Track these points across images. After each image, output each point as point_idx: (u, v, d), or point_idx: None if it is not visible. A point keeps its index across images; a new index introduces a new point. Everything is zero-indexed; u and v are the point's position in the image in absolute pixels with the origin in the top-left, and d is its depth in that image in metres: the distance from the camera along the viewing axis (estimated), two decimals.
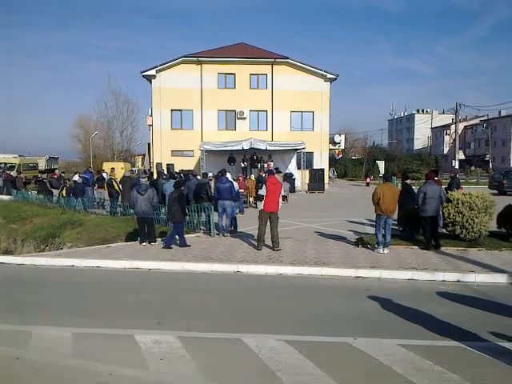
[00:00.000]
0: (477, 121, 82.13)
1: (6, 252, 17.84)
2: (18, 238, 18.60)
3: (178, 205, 12.37)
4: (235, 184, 15.81)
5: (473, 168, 57.58)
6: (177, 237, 12.37)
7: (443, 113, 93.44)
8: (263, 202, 11.65)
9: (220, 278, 9.55)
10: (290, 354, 5.40)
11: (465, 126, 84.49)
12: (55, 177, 26.91)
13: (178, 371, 4.98)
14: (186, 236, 12.63)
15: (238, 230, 14.44)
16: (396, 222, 13.68)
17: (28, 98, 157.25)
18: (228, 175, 15.59)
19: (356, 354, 5.39)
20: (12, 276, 10.14)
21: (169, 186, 16.02)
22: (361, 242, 12.11)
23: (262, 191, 11.75)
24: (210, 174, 14.97)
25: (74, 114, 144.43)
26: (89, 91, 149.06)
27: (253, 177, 24.18)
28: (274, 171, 17.76)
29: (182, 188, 13.31)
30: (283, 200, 12.94)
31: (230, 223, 14.17)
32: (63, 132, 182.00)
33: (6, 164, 43.25)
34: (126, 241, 14.07)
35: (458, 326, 6.27)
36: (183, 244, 12.28)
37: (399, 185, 15.48)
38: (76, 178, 23.15)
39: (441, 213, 12.04)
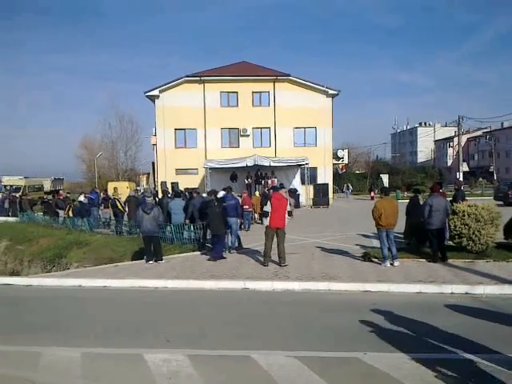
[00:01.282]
0: (479, 133, 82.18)
1: (13, 273, 17.91)
2: (24, 259, 18.66)
3: (220, 218, 12.72)
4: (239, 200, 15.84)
5: (480, 179, 57.39)
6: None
7: (446, 125, 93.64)
8: (268, 218, 11.65)
9: (227, 294, 9.52)
10: (299, 370, 5.37)
11: (468, 138, 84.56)
12: (61, 197, 26.98)
13: None
14: (191, 254, 12.63)
15: (245, 246, 14.43)
16: (402, 236, 13.70)
17: (32, 120, 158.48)
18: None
19: (366, 369, 5.35)
20: (20, 297, 10.14)
21: (174, 205, 16.07)
22: (367, 256, 12.08)
23: (267, 207, 11.75)
24: (222, 193, 14.87)
25: (79, 135, 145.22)
26: (93, 112, 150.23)
27: (257, 193, 24.22)
28: (279, 187, 17.80)
29: (224, 203, 13.59)
30: (289, 215, 12.94)
31: (236, 240, 14.18)
32: (68, 153, 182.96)
33: (11, 186, 43.52)
34: (132, 260, 14.08)
35: (468, 338, 6.22)
36: (220, 256, 12.63)
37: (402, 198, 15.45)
38: (82, 198, 23.25)
39: (447, 225, 12.02)
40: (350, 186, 45.52)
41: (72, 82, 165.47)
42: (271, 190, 13.21)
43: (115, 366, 5.65)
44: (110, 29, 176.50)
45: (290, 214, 14.02)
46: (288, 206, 12.45)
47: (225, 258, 12.79)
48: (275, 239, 11.65)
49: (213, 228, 12.90)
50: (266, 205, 11.97)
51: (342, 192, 45.89)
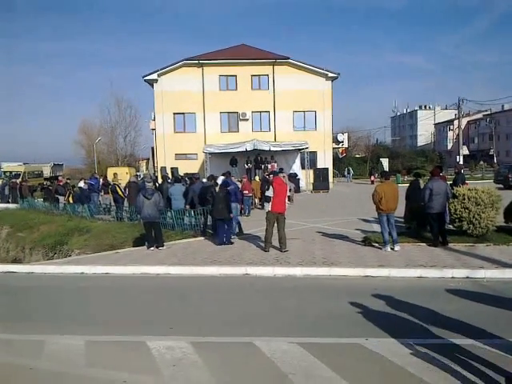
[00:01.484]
0: (480, 115, 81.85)
1: (15, 261, 17.96)
2: (26, 247, 18.70)
3: (224, 203, 12.79)
4: (238, 185, 15.84)
5: (481, 163, 57.30)
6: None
7: (446, 108, 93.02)
8: (270, 203, 11.64)
9: (229, 280, 9.56)
10: (302, 356, 5.40)
11: (468, 121, 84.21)
12: (61, 184, 26.95)
13: (190, 377, 4.99)
14: (193, 239, 12.66)
15: (245, 231, 14.45)
16: (403, 220, 13.70)
17: (30, 106, 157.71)
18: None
19: (368, 355, 5.39)
20: (22, 285, 10.18)
21: (174, 190, 16.06)
22: (368, 240, 12.10)
23: (269, 192, 11.72)
24: (222, 178, 14.90)
25: (77, 120, 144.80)
26: (91, 97, 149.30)
27: (257, 178, 24.18)
28: (278, 172, 17.77)
29: (228, 188, 13.64)
30: (288, 200, 12.95)
31: (236, 226, 14.19)
32: (67, 139, 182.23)
33: (11, 172, 43.48)
34: (133, 246, 14.10)
35: (470, 323, 6.25)
36: (223, 241, 12.74)
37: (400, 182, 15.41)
38: (82, 184, 23.23)
39: (447, 209, 12.03)
40: (351, 170, 45.53)
41: (70, 68, 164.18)
42: (271, 175, 13.16)
43: (119, 354, 5.68)
44: (106, 14, 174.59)
45: (289, 199, 14.00)
46: (287, 191, 12.43)
47: (232, 243, 12.90)
48: (276, 224, 11.66)
49: (217, 212, 12.91)
50: (267, 190, 11.93)
51: (343, 176, 45.86)
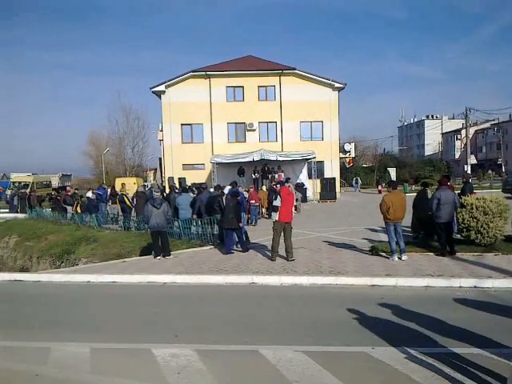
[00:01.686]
0: (487, 125, 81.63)
1: (23, 269, 18.02)
2: (33, 256, 18.75)
3: (234, 212, 12.84)
4: (245, 195, 15.88)
5: (489, 172, 57.01)
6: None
7: (453, 118, 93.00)
8: (278, 213, 11.63)
9: (235, 289, 9.54)
10: (308, 364, 5.38)
11: (475, 131, 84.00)
12: (69, 194, 27.13)
13: None
14: (200, 248, 12.67)
15: (252, 241, 14.42)
16: (410, 229, 13.65)
17: (39, 117, 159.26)
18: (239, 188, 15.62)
19: (374, 364, 5.35)
20: (29, 293, 10.22)
21: (182, 200, 16.11)
22: (375, 250, 12.05)
23: (277, 202, 11.71)
24: (228, 188, 14.94)
25: (86, 131, 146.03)
26: (99, 108, 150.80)
27: (264, 188, 24.20)
28: (284, 181, 17.78)
29: (238, 197, 13.75)
30: (295, 210, 12.95)
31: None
32: (75, 150, 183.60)
33: (20, 183, 43.77)
34: (140, 255, 14.12)
35: (477, 332, 6.20)
36: (245, 248, 13.05)
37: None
38: (89, 194, 23.36)
39: (455, 218, 11.97)
40: (359, 180, 45.39)
41: (77, 79, 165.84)
42: (278, 185, 13.15)
43: (124, 361, 5.69)
44: (113, 25, 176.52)
45: (296, 208, 14.00)
46: (294, 201, 12.43)
47: (248, 249, 13.11)
48: (283, 234, 11.66)
49: (227, 222, 12.92)
50: (275, 199, 11.94)
51: (351, 186, 45.76)
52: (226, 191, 15.54)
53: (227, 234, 13.01)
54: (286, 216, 11.60)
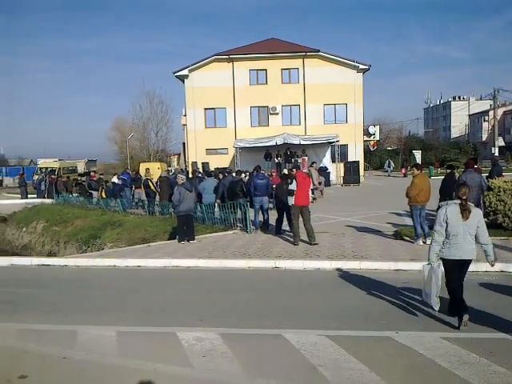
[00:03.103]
0: None
1: (50, 254, 18.43)
2: (60, 240, 19.14)
3: (287, 195, 12.71)
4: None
5: None
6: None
7: (481, 99, 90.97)
8: (294, 197, 11.68)
9: (258, 274, 9.60)
10: (331, 348, 5.39)
11: (504, 112, 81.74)
12: (94, 179, 27.47)
13: (220, 368, 5.04)
14: (222, 233, 12.74)
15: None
16: (435, 213, 13.43)
17: (65, 104, 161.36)
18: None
19: (398, 348, 5.33)
20: (56, 277, 10.45)
21: (207, 185, 16.12)
22: (399, 234, 11.94)
23: (293, 186, 11.75)
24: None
25: (111, 117, 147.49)
26: (124, 94, 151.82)
27: (285, 171, 24.07)
28: (300, 167, 17.67)
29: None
30: (312, 193, 12.92)
31: (268, 218, 14.24)
32: (100, 135, 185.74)
33: (46, 168, 44.53)
34: (165, 240, 14.27)
35: (503, 317, 6.12)
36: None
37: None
38: (114, 179, 23.63)
39: (481, 202, 11.74)
40: (392, 163, 44.03)
41: (102, 65, 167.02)
42: (294, 169, 13.13)
43: (149, 344, 5.78)
44: (136, 11, 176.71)
45: (314, 192, 13.98)
46: (312, 184, 12.37)
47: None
48: (301, 218, 11.66)
49: (279, 204, 13.07)
50: (290, 184, 11.95)
51: (385, 170, 44.38)
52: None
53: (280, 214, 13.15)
54: (302, 200, 11.61)
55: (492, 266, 6.13)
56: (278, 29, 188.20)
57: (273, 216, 13.78)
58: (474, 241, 5.97)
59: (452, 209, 5.93)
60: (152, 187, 20.85)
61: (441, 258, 6.10)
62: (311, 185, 12.17)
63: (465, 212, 5.83)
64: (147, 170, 24.58)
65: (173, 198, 13.16)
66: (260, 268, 9.94)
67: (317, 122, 34.10)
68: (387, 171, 42.56)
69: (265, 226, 14.16)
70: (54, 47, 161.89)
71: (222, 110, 34.62)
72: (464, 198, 5.89)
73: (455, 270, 6.09)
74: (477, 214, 5.98)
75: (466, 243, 5.91)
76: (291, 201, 11.72)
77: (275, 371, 4.94)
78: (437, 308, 6.14)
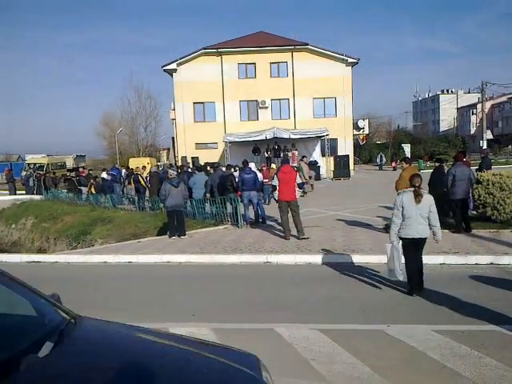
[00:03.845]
0: (504, 98, 79.76)
1: (40, 251, 18.29)
2: (50, 237, 19.01)
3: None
4: (259, 174, 15.84)
5: (509, 147, 55.95)
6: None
7: (469, 92, 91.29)
8: (277, 191, 11.73)
9: (250, 268, 9.60)
10: (323, 342, 5.41)
11: (492, 105, 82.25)
12: (83, 175, 27.31)
13: None
14: (213, 228, 12.75)
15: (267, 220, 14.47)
16: None
17: (52, 98, 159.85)
18: (252, 165, 15.53)
19: (390, 341, 5.37)
20: (46, 274, 10.36)
21: (197, 179, 16.06)
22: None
23: (275, 181, 11.80)
24: (252, 164, 15.25)
25: (99, 112, 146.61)
26: (112, 88, 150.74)
27: (274, 166, 24.06)
28: (290, 161, 17.66)
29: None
30: (300, 188, 12.93)
31: (263, 212, 14.29)
32: (89, 130, 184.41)
33: (35, 164, 44.18)
34: (155, 235, 14.23)
35: (494, 309, 6.18)
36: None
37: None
38: (104, 175, 23.51)
39: (471, 195, 11.83)
40: (383, 157, 44.09)
41: (89, 59, 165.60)
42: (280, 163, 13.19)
43: None
44: (123, 4, 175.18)
45: (300, 186, 13.96)
46: (298, 178, 12.24)
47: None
48: (290, 213, 11.68)
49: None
50: (272, 179, 12.02)
51: (377, 164, 44.33)
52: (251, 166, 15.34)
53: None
54: (286, 195, 11.59)
55: (437, 242, 7.17)
56: (264, 20, 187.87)
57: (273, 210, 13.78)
58: (427, 222, 6.91)
59: (407, 195, 6.91)
60: (142, 183, 20.77)
61: (399, 237, 7.01)
62: (298, 179, 12.03)
63: (417, 197, 6.81)
64: (142, 167, 24.33)
65: (159, 194, 13.20)
66: (252, 263, 9.94)
67: (306, 116, 34.16)
68: (380, 165, 42.65)
69: (260, 220, 14.19)
70: (38, 39, 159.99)
71: (211, 104, 34.54)
72: (417, 185, 6.89)
73: (411, 249, 7.03)
74: (429, 199, 6.93)
75: (418, 224, 6.85)
76: (275, 195, 11.78)
77: (267, 366, 4.91)
78: (401, 278, 7.04)
